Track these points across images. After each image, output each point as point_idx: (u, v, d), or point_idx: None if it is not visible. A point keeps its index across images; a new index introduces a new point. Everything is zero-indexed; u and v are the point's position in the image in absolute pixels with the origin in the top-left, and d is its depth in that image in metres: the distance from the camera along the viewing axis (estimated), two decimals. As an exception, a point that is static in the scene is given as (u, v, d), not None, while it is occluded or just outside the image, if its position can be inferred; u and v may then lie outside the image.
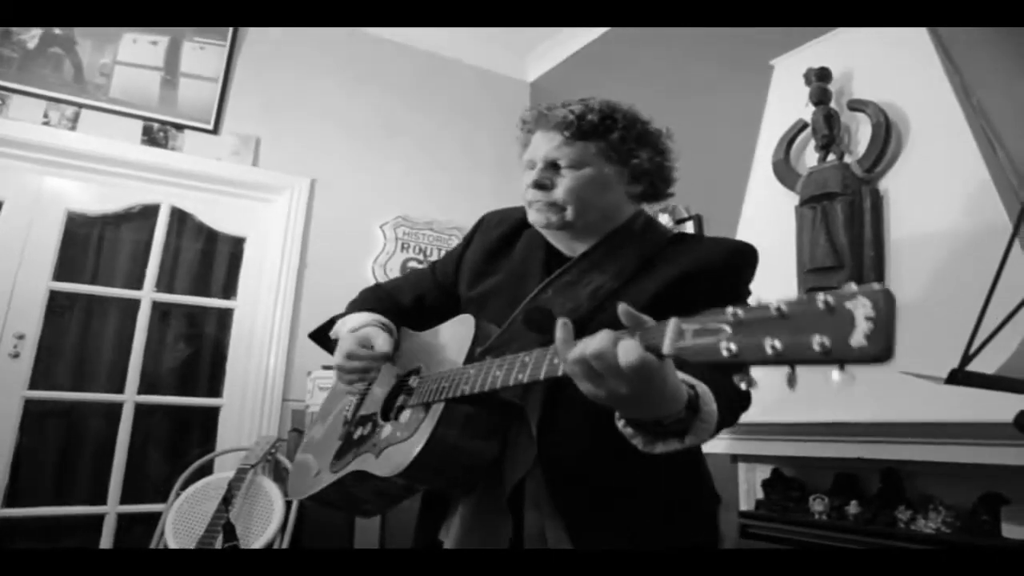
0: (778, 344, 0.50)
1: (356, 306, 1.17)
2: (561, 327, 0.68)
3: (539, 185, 0.99)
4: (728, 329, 0.54)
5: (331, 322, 1.17)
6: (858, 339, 0.46)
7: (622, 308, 0.65)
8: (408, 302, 1.18)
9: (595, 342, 0.65)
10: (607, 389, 0.65)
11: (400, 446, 0.93)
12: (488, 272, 1.09)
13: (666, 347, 0.60)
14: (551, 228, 1.00)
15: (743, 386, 0.55)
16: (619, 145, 0.99)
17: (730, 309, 0.54)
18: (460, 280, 1.14)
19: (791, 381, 0.50)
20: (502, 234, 1.12)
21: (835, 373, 0.49)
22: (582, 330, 0.73)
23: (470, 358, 0.95)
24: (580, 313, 0.91)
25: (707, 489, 1.02)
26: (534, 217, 1.01)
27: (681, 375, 0.73)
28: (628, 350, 0.62)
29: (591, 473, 0.92)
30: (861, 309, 0.46)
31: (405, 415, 0.98)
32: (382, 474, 0.92)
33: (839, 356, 0.47)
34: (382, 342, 1.05)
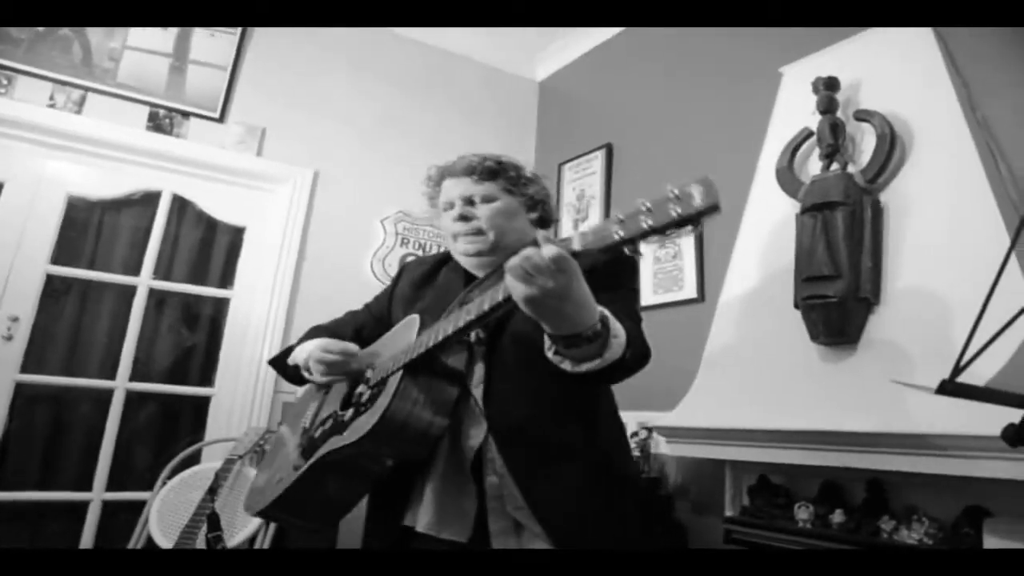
0: (650, 220, 0.72)
1: (307, 339, 1.33)
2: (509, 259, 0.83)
3: (463, 217, 1.21)
4: (615, 225, 0.75)
5: (288, 351, 1.34)
6: (696, 201, 0.69)
7: (541, 234, 0.82)
8: (349, 334, 1.33)
9: (525, 250, 0.81)
10: (539, 285, 0.81)
11: (362, 417, 1.04)
12: (417, 299, 1.29)
13: (576, 243, 0.79)
14: (481, 255, 1.21)
15: (634, 256, 0.76)
16: (515, 181, 1.25)
17: (614, 214, 0.75)
18: (393, 312, 1.33)
19: (663, 243, 0.71)
20: (425, 271, 1.34)
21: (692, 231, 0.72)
22: (503, 321, 1.06)
23: (418, 336, 1.08)
24: (500, 316, 1.06)
25: (630, 454, 1.26)
26: (463, 247, 1.21)
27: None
28: (549, 248, 0.80)
29: (533, 434, 1.07)
30: (695, 187, 0.69)
31: (364, 396, 1.10)
32: (349, 441, 1.01)
33: (687, 214, 0.69)
34: (344, 343, 1.20)
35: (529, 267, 0.80)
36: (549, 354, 0.94)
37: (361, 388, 1.13)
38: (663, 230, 0.71)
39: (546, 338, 0.93)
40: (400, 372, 1.02)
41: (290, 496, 1.10)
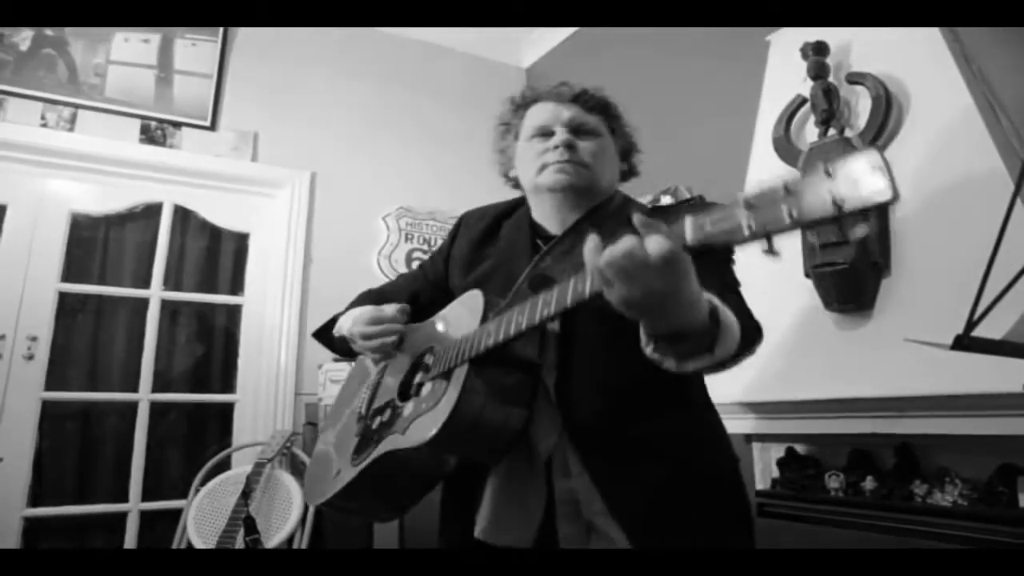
0: (794, 211, 0.53)
1: (354, 306, 1.20)
2: (591, 239, 0.69)
3: (569, 145, 1.04)
4: (744, 212, 0.57)
5: (333, 321, 1.20)
6: (866, 189, 0.50)
7: (638, 218, 0.66)
8: (404, 300, 1.21)
9: (624, 242, 0.65)
10: (642, 287, 0.66)
11: (425, 417, 0.93)
12: (478, 260, 1.13)
13: (689, 234, 0.62)
14: (575, 189, 1.05)
15: (773, 256, 0.57)
16: (617, 123, 1.11)
17: (741, 196, 0.58)
18: (451, 274, 1.18)
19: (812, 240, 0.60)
20: (486, 226, 1.17)
21: (860, 229, 0.55)
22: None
23: (484, 323, 0.95)
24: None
25: (725, 445, 1.05)
26: (553, 179, 1.04)
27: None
28: (656, 242, 0.63)
29: (614, 430, 0.94)
30: (860, 164, 0.51)
31: (426, 389, 0.98)
32: (411, 445, 0.91)
33: (853, 206, 0.51)
34: (391, 309, 1.08)
35: (631, 264, 0.64)
36: (647, 350, 0.78)
37: (420, 376, 1.02)
38: (813, 225, 0.54)
39: (643, 332, 0.78)
40: (466, 366, 0.91)
41: (350, 492, 1.04)
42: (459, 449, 0.95)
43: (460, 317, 1.03)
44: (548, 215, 1.09)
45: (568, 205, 1.07)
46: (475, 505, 1.00)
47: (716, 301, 0.77)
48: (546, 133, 1.07)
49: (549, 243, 1.06)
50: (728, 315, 0.78)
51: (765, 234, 0.56)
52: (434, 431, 0.88)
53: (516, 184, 1.18)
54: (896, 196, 0.49)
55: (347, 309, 1.20)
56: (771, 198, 0.56)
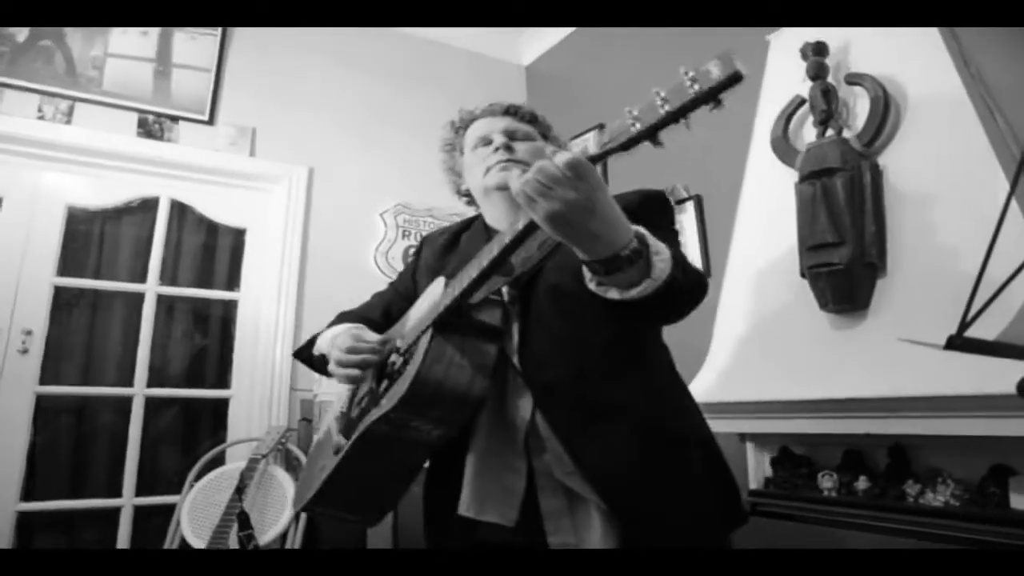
0: (667, 106, 0.68)
1: (332, 326, 1.27)
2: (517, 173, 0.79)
3: (508, 147, 1.18)
4: (630, 120, 0.70)
5: (312, 342, 1.28)
6: (715, 73, 0.65)
7: (550, 148, 0.78)
8: (378, 316, 1.29)
9: (539, 162, 0.75)
10: (560, 199, 0.74)
11: (396, 385, 0.98)
12: (441, 267, 1.22)
13: (592, 146, 0.74)
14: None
15: (658, 146, 0.71)
16: (548, 131, 1.27)
17: (627, 110, 0.71)
18: (419, 285, 1.25)
19: (688, 125, 0.70)
20: (447, 240, 1.28)
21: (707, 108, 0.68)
22: (535, 276, 1.01)
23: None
24: (532, 262, 1.01)
25: (689, 406, 1.12)
26: (500, 176, 1.15)
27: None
28: (562, 155, 0.74)
29: (575, 392, 0.99)
30: (712, 63, 0.66)
31: (398, 364, 1.04)
32: (381, 413, 0.95)
33: (706, 85, 0.65)
34: (371, 335, 1.13)
35: (544, 178, 0.74)
36: (591, 286, 0.86)
37: (394, 357, 1.06)
38: (683, 113, 0.67)
39: (584, 270, 0.86)
40: (430, 331, 0.95)
41: (335, 482, 1.04)
42: (430, 407, 0.96)
43: (424, 302, 1.09)
44: (501, 217, 1.19)
45: (516, 203, 1.12)
46: (458, 484, 1.02)
47: (643, 230, 0.84)
48: (487, 142, 1.21)
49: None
50: (657, 242, 0.85)
51: (650, 130, 0.69)
52: (403, 391, 0.92)
53: (470, 199, 1.31)
54: (738, 73, 0.65)
55: (326, 329, 1.26)
56: (650, 104, 0.69)
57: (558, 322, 1.01)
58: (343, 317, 1.31)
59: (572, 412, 0.98)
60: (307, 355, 1.28)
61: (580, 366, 1.00)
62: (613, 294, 0.84)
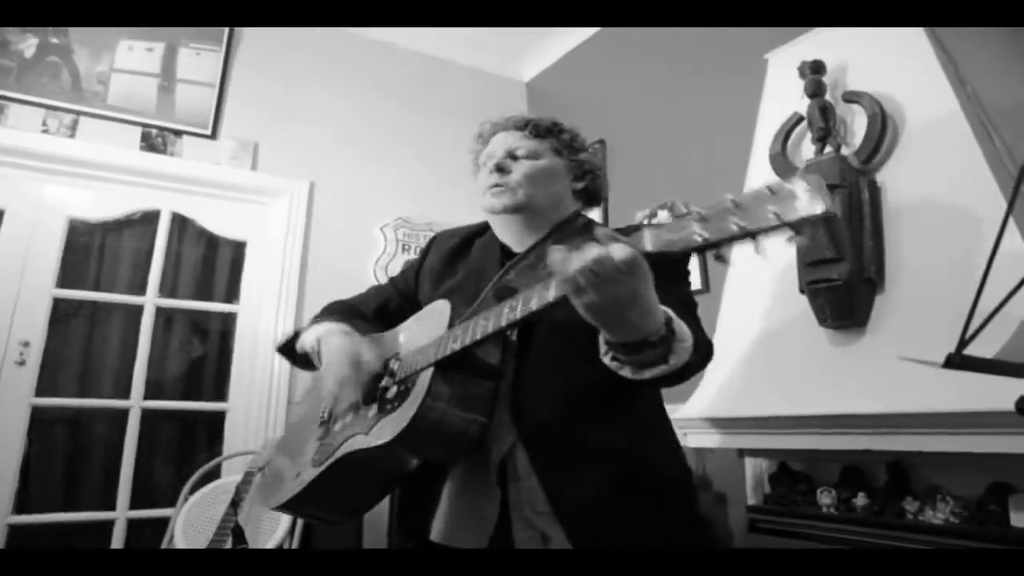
0: (741, 221, 0.62)
1: (321, 319, 1.21)
2: (557, 249, 0.73)
3: (499, 168, 1.12)
4: (696, 224, 0.65)
5: (296, 337, 1.22)
6: (802, 205, 0.58)
7: (600, 230, 0.72)
8: (372, 311, 1.25)
9: (592, 250, 0.70)
10: (608, 292, 0.71)
11: (390, 416, 0.96)
12: (447, 275, 1.18)
13: (647, 242, 0.69)
14: (506, 212, 1.11)
15: (722, 262, 0.66)
16: (568, 144, 1.18)
17: (694, 208, 0.66)
18: (421, 287, 1.23)
19: (758, 249, 0.64)
20: (456, 244, 1.23)
21: (798, 240, 0.62)
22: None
23: (450, 329, 0.99)
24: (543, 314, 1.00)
25: (676, 456, 1.09)
26: (488, 202, 1.12)
27: None
28: (621, 249, 0.70)
29: (564, 434, 0.98)
30: (799, 186, 0.59)
31: (391, 392, 1.02)
32: (375, 445, 0.94)
33: (789, 219, 0.59)
34: (369, 356, 1.07)
35: (600, 270, 0.69)
36: (605, 359, 0.84)
37: (386, 381, 1.04)
38: (756, 235, 0.61)
39: (601, 341, 0.84)
40: (431, 370, 0.94)
41: (310, 492, 1.06)
42: (421, 449, 0.97)
43: (427, 325, 1.06)
44: (510, 236, 1.15)
45: (523, 225, 1.13)
46: (432, 507, 1.02)
47: (671, 313, 0.82)
48: (490, 161, 1.16)
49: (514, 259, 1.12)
50: (682, 326, 0.84)
51: (715, 243, 0.64)
52: (398, 430, 0.91)
53: None
54: (829, 214, 0.57)
55: (313, 320, 1.22)
56: (720, 211, 0.63)
57: (558, 364, 0.99)
58: (339, 303, 1.27)
59: (556, 453, 0.97)
60: (289, 348, 1.24)
61: (571, 408, 0.99)
62: (626, 372, 0.83)
